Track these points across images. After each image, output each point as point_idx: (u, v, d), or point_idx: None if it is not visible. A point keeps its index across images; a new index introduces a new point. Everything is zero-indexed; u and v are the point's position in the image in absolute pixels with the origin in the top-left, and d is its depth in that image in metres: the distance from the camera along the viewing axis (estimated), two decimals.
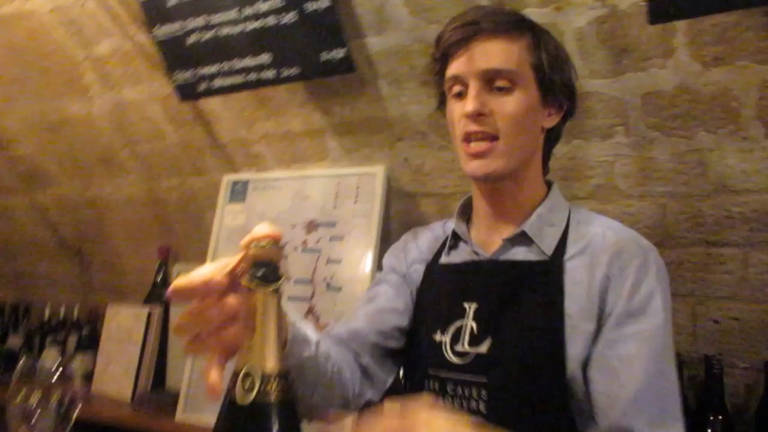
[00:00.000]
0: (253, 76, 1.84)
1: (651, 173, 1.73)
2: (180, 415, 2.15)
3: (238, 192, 2.34)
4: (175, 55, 1.94)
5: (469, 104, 1.01)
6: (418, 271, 1.19)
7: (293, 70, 1.77)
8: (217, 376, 0.69)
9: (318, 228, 2.15)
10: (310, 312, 2.08)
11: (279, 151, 2.27)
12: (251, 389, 0.64)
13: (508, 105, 1.02)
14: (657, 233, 1.77)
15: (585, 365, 0.97)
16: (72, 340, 2.81)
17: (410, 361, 1.14)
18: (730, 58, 1.49)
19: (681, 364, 1.70)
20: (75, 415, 1.05)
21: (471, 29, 1.02)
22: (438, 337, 1.06)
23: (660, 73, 1.57)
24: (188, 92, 2.03)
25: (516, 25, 1.04)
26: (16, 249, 3.21)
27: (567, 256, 1.04)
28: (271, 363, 0.65)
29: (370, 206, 2.07)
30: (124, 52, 2.24)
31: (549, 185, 1.16)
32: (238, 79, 1.87)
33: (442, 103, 1.15)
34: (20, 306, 3.15)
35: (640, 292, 0.99)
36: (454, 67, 1.05)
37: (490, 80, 1.02)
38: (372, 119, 2.02)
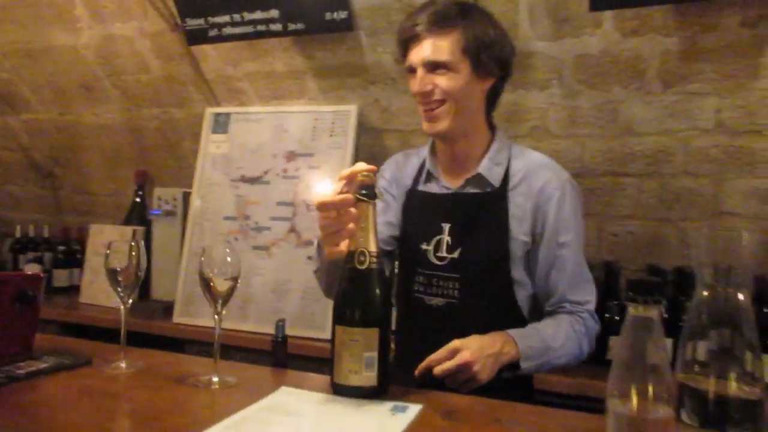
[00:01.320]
0: (261, 28, 2.09)
1: (576, 119, 2.18)
2: (177, 318, 2.48)
3: (221, 123, 2.60)
4: (188, 3, 2.13)
5: (415, 86, 1.37)
6: (402, 194, 1.56)
7: (299, 26, 2.05)
8: (343, 248, 1.12)
9: (297, 158, 2.48)
10: (292, 230, 2.44)
11: (261, 88, 2.55)
12: (364, 261, 1.05)
13: (445, 82, 1.35)
14: (577, 166, 2.24)
15: (527, 263, 1.43)
16: (48, 257, 3.01)
17: (403, 262, 1.54)
18: (642, 30, 1.93)
19: (589, 267, 2.21)
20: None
21: (419, 29, 1.35)
22: (424, 246, 1.46)
23: (590, 40, 1.99)
24: (198, 37, 2.24)
25: (451, 21, 1.35)
26: None
27: (510, 186, 1.45)
28: (373, 246, 1.10)
29: (344, 140, 2.42)
30: None
31: (492, 129, 1.53)
32: (247, 29, 2.12)
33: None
34: None
35: (563, 212, 1.43)
36: (409, 58, 1.40)
37: (431, 66, 1.36)
38: (349, 65, 2.34)
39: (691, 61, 1.92)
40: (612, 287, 2.15)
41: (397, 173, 1.60)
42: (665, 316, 1.96)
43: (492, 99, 1.49)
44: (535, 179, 1.44)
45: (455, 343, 1.20)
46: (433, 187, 1.52)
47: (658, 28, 1.90)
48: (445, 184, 1.50)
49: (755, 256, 2.11)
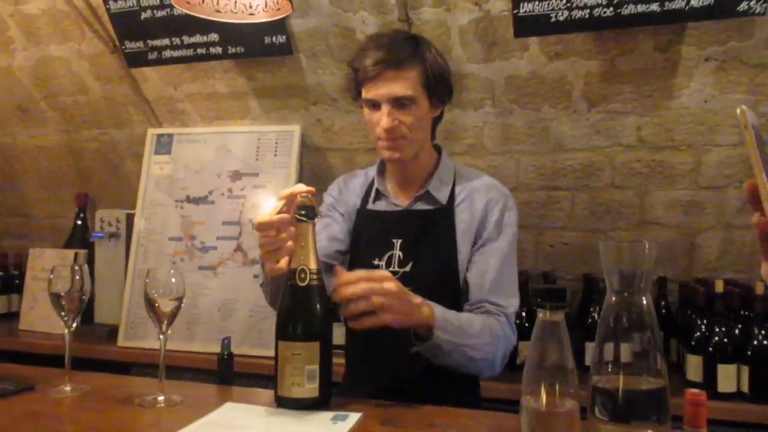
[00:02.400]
0: (201, 51, 2.13)
1: (510, 136, 2.29)
2: (122, 342, 2.46)
3: (164, 144, 2.61)
4: (127, 26, 2.15)
5: (385, 121, 1.41)
6: (352, 213, 1.62)
7: (238, 49, 2.09)
8: (282, 266, 1.16)
9: (242, 177, 2.51)
10: (238, 248, 2.46)
11: (203, 109, 2.57)
12: (305, 278, 1.10)
13: (410, 116, 1.42)
14: (512, 181, 2.35)
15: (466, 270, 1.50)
16: None
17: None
18: (565, 54, 2.06)
19: (528, 278, 2.31)
20: None
21: (381, 67, 1.39)
22: (376, 261, 1.51)
23: (518, 62, 2.11)
24: (137, 60, 2.26)
25: (411, 58, 1.42)
26: None
27: (456, 203, 1.54)
28: (313, 264, 1.15)
29: (288, 159, 2.47)
30: (56, 11, 2.39)
31: (438, 149, 1.63)
32: (187, 53, 2.15)
33: (357, 98, 1.54)
34: None
35: (499, 224, 1.52)
36: (370, 92, 1.43)
37: (396, 101, 1.44)
38: (291, 85, 2.39)
39: (611, 82, 2.06)
40: (533, 299, 2.26)
41: (344, 193, 1.66)
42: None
43: (437, 122, 1.59)
44: (479, 196, 1.53)
45: (385, 272, 1.23)
46: (382, 205, 1.59)
47: (579, 52, 2.03)
48: (394, 201, 1.57)
49: (675, 263, 2.27)
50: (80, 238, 2.79)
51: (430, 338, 1.25)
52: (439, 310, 1.28)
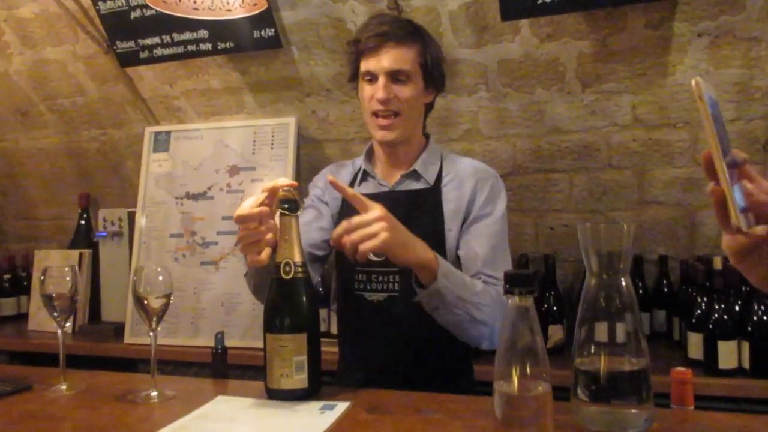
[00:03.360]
0: (191, 48, 2.13)
1: (505, 120, 2.28)
2: (128, 339, 2.49)
3: (162, 142, 2.62)
4: (118, 27, 2.16)
5: (380, 93, 1.43)
6: (336, 200, 1.61)
7: (228, 44, 2.10)
8: (263, 258, 1.17)
9: (239, 172, 2.52)
10: (238, 242, 2.47)
11: (198, 105, 2.58)
12: (289, 271, 1.11)
13: (405, 92, 1.45)
14: (509, 165, 2.34)
15: (457, 248, 1.50)
16: None
17: (341, 262, 1.59)
18: (557, 35, 2.04)
19: (528, 261, 2.31)
20: None
21: (382, 38, 1.44)
22: None
23: (510, 46, 2.09)
24: (129, 59, 2.27)
25: (411, 35, 1.46)
26: None
27: (443, 183, 1.54)
28: (297, 256, 1.15)
29: (284, 151, 2.48)
30: (49, 14, 2.40)
31: (427, 137, 1.65)
32: (177, 50, 2.16)
33: (353, 78, 1.57)
34: None
35: (488, 202, 1.51)
36: (368, 63, 1.45)
37: (394, 75, 1.46)
38: (284, 78, 2.39)
39: (604, 62, 2.04)
40: (551, 279, 2.26)
41: (327, 181, 1.66)
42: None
43: (429, 109, 1.61)
44: (467, 177, 1.53)
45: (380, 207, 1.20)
46: (368, 187, 1.59)
47: (571, 33, 2.01)
48: (381, 182, 1.58)
49: (676, 241, 2.25)
50: (84, 238, 2.83)
51: (434, 279, 1.23)
52: (443, 262, 1.26)
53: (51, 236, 3.12)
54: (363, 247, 1.14)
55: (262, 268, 1.21)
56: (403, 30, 1.46)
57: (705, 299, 1.92)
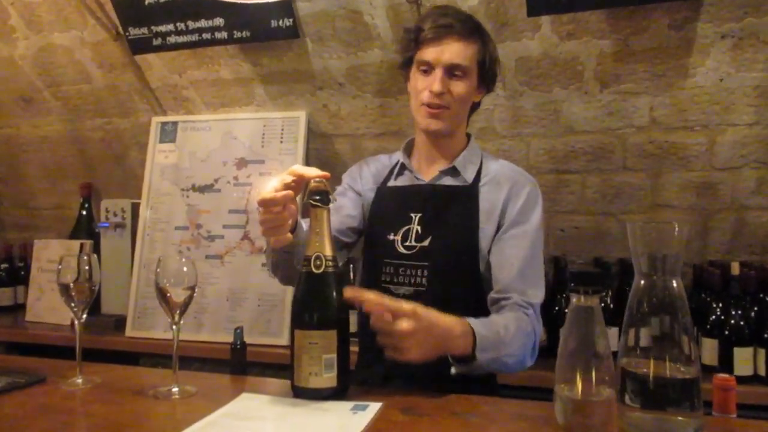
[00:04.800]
0: (206, 36, 2.08)
1: (520, 119, 2.25)
2: (130, 332, 2.44)
3: (168, 132, 2.57)
4: (130, 12, 2.11)
5: (436, 85, 1.42)
6: (371, 191, 1.60)
7: (244, 34, 2.05)
8: (287, 236, 1.15)
9: (247, 165, 2.48)
10: (245, 237, 2.43)
11: (208, 96, 2.54)
12: (320, 265, 1.08)
13: (459, 88, 1.45)
14: (522, 164, 2.30)
15: (489, 251, 1.47)
16: None
17: (370, 253, 1.57)
18: (578, 34, 2.01)
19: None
20: None
21: (444, 30, 1.42)
22: (391, 236, 1.49)
23: (529, 43, 2.07)
24: (142, 46, 2.22)
25: (473, 32, 1.45)
26: None
27: (481, 183, 1.52)
28: (328, 250, 1.12)
29: (294, 145, 2.44)
30: None
31: (468, 136, 1.63)
32: (192, 38, 2.11)
33: (405, 66, 1.54)
34: None
35: (525, 208, 1.49)
36: (427, 54, 1.45)
37: (450, 69, 1.44)
38: (297, 71, 2.35)
39: (624, 62, 2.02)
40: (561, 281, 2.23)
41: (365, 172, 1.65)
42: (611, 305, 2.05)
43: (473, 110, 1.60)
44: (506, 179, 1.51)
45: (410, 307, 1.12)
46: (404, 180, 1.58)
47: (592, 31, 1.98)
48: (418, 176, 1.56)
49: (688, 245, 2.24)
50: (85, 229, 2.78)
51: (470, 359, 1.21)
52: (477, 327, 1.23)
53: (50, 226, 3.06)
54: (390, 354, 1.11)
55: (281, 248, 1.19)
56: (466, 25, 1.45)
57: (720, 305, 1.91)
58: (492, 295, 1.42)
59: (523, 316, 1.35)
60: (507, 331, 1.30)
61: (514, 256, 1.43)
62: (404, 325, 1.07)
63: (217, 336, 2.30)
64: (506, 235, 1.45)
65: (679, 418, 0.86)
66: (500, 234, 1.46)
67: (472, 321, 1.24)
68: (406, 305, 1.10)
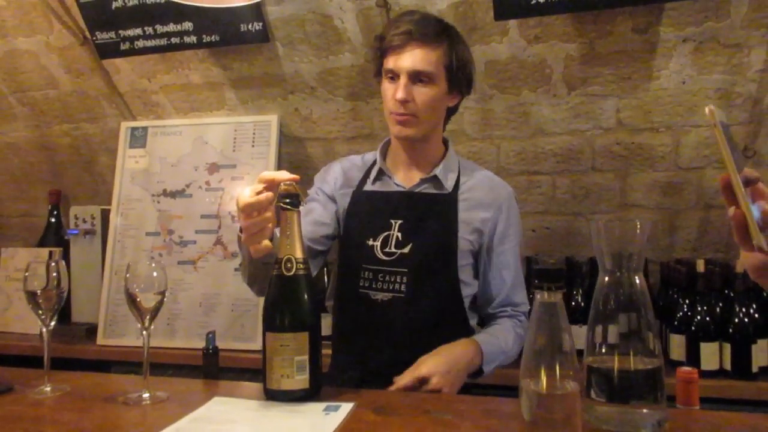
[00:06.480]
0: (175, 40, 2.07)
1: (490, 121, 2.28)
2: (101, 340, 2.41)
3: (138, 137, 2.55)
4: (97, 16, 2.08)
5: (400, 92, 1.42)
6: (346, 195, 1.59)
7: (214, 38, 2.04)
8: (266, 244, 1.15)
9: (219, 170, 2.46)
10: (218, 242, 2.42)
11: (178, 100, 2.52)
12: (291, 268, 1.08)
13: (426, 94, 1.45)
14: (492, 166, 2.34)
15: (474, 265, 1.53)
16: None
17: (346, 258, 1.57)
18: (545, 37, 2.04)
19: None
20: None
21: (406, 37, 1.43)
22: (370, 242, 1.50)
23: (498, 47, 2.09)
24: (109, 51, 2.19)
25: (438, 36, 1.43)
26: None
27: (460, 191, 1.54)
28: (299, 253, 1.12)
29: (266, 149, 2.43)
30: (22, 2, 2.31)
31: (445, 142, 1.64)
32: (160, 42, 2.09)
33: (378, 74, 1.55)
34: None
35: (509, 222, 1.55)
36: (391, 62, 1.45)
37: (415, 75, 1.44)
38: (268, 75, 2.35)
39: (590, 65, 2.05)
40: (532, 280, 2.26)
41: (336, 176, 1.64)
42: (582, 304, 2.09)
43: (450, 114, 1.61)
44: (483, 189, 1.56)
45: (422, 370, 1.27)
46: (382, 186, 1.58)
47: (559, 35, 2.02)
48: (398, 182, 1.57)
49: (655, 244, 2.29)
50: (54, 236, 2.73)
51: (478, 372, 1.40)
52: (484, 345, 1.40)
53: (17, 234, 3.00)
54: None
55: (262, 257, 1.18)
56: (430, 29, 1.44)
57: (687, 301, 1.95)
58: (488, 311, 1.55)
59: (517, 322, 1.52)
60: (507, 340, 1.46)
61: (506, 273, 1.54)
62: (433, 382, 1.26)
63: (191, 342, 2.28)
64: (494, 253, 1.54)
65: (644, 410, 0.88)
66: (489, 251, 1.54)
67: (479, 338, 1.41)
68: (418, 371, 1.28)
